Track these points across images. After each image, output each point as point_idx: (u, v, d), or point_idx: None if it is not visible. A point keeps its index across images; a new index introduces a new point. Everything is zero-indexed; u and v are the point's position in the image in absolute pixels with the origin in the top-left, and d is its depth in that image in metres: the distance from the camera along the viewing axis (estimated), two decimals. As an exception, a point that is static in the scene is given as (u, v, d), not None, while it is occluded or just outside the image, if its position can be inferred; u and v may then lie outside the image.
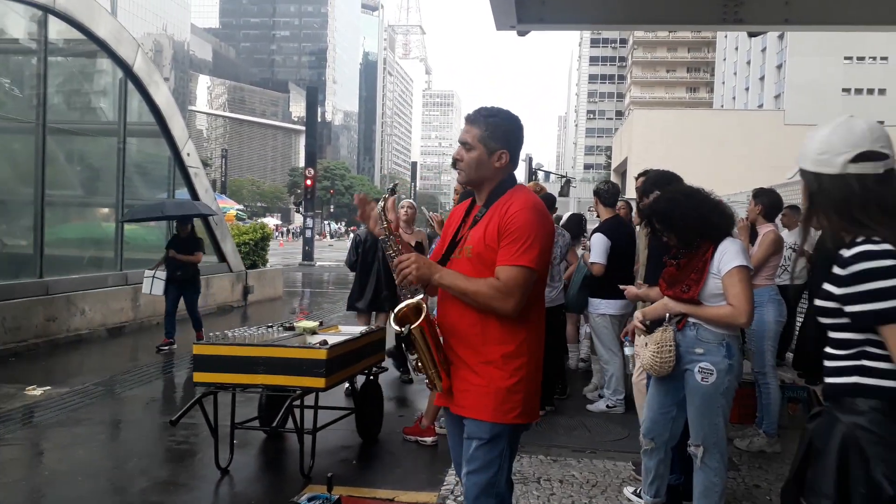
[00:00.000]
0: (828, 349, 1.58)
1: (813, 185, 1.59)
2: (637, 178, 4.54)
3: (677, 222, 2.96)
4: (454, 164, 2.32)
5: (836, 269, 1.51)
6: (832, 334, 1.56)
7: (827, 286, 1.53)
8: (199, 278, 8.15)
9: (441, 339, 2.25)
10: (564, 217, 7.79)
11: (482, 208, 2.28)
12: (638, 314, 3.12)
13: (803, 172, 1.63)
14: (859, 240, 1.49)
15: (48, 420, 5.19)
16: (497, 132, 2.24)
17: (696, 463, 2.98)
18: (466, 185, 2.37)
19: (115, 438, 5.12)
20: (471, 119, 2.28)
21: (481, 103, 2.46)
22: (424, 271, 2.17)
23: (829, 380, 1.57)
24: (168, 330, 7.85)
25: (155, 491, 3.89)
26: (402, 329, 2.15)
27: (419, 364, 2.24)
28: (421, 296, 2.22)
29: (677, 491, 3.44)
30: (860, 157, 1.53)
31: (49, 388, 5.95)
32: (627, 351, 4.24)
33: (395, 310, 2.22)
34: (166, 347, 7.78)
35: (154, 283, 7.85)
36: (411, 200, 6.49)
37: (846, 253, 1.49)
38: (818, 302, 1.57)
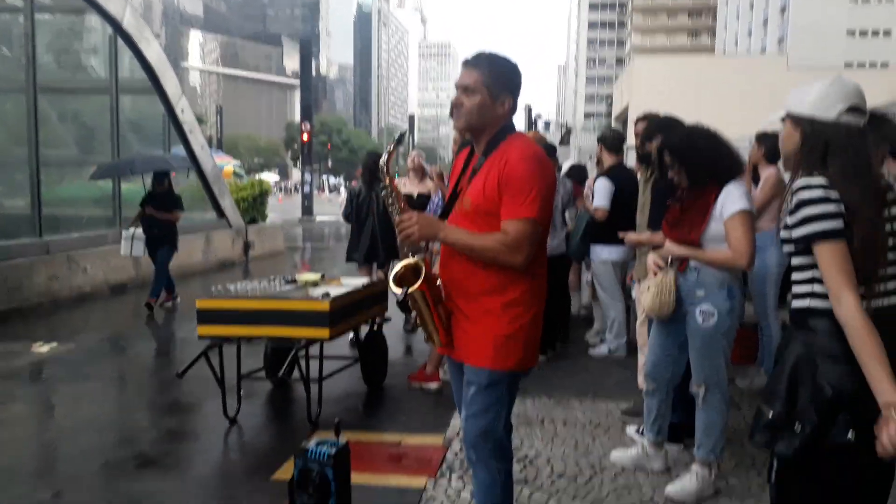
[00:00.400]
0: (793, 276, 1.80)
1: (807, 129, 1.78)
2: (636, 123, 4.47)
3: (691, 158, 2.93)
4: (452, 112, 2.25)
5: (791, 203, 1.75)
6: (793, 261, 1.79)
7: (786, 218, 1.76)
8: (176, 237, 7.79)
9: (441, 294, 2.24)
10: (565, 166, 7.72)
11: (480, 158, 2.23)
12: (654, 257, 3.11)
13: (796, 118, 1.81)
14: (803, 174, 1.75)
15: (56, 375, 5.26)
16: (501, 78, 2.18)
17: (697, 402, 3.02)
18: (465, 132, 2.30)
19: (123, 392, 5.19)
20: (472, 63, 2.19)
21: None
22: (427, 231, 2.14)
23: (792, 304, 1.81)
24: (168, 286, 7.80)
25: (164, 441, 3.96)
26: (400, 291, 2.14)
27: (418, 320, 2.25)
28: (422, 255, 2.20)
29: (679, 429, 3.50)
30: (850, 110, 1.75)
31: (55, 344, 6.01)
32: (636, 294, 4.26)
33: (394, 271, 2.21)
34: (169, 303, 7.81)
35: (134, 245, 7.63)
36: (419, 150, 6.40)
37: (793, 188, 1.74)
38: (782, 233, 1.78)
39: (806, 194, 1.69)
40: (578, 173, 7.02)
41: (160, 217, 7.53)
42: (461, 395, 2.34)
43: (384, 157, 2.31)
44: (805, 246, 1.69)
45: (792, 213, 1.71)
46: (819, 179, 1.70)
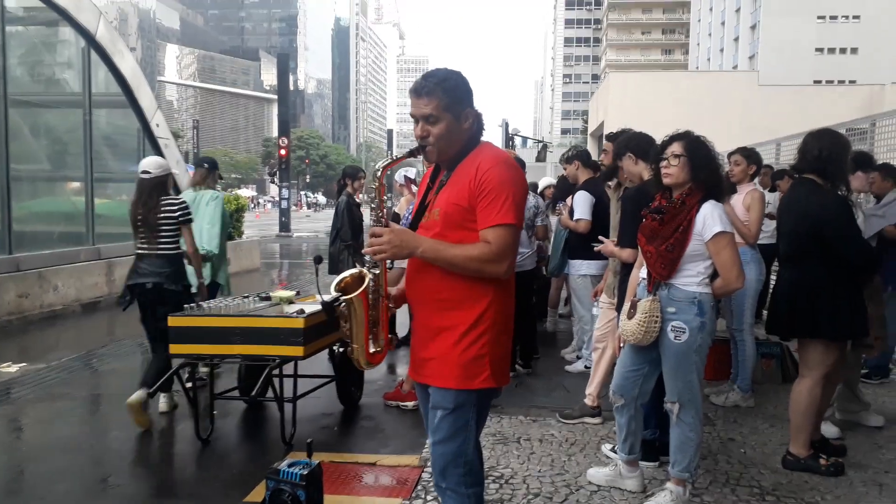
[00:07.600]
0: None
1: None
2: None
3: (699, 161, 2.96)
4: (420, 147, 2.14)
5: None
6: None
7: None
8: None
9: (382, 314, 2.19)
10: (541, 184, 7.77)
11: (447, 172, 2.18)
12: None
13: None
14: None
15: (25, 396, 5.14)
16: (457, 94, 2.11)
17: (671, 419, 3.03)
18: (440, 161, 2.20)
19: (95, 412, 5.08)
20: (426, 90, 2.09)
21: (457, 69, 2.30)
22: (402, 250, 2.05)
23: None
24: None
25: (136, 463, 3.89)
26: (333, 298, 2.10)
27: (348, 333, 2.16)
28: (379, 268, 2.14)
29: (653, 446, 3.51)
30: None
31: (25, 364, 5.88)
32: (596, 311, 4.27)
33: (337, 279, 2.16)
34: None
35: None
36: (406, 168, 6.31)
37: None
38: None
39: None
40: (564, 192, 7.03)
41: None
42: (430, 420, 2.25)
43: (382, 163, 2.18)
44: None
45: None
46: None
